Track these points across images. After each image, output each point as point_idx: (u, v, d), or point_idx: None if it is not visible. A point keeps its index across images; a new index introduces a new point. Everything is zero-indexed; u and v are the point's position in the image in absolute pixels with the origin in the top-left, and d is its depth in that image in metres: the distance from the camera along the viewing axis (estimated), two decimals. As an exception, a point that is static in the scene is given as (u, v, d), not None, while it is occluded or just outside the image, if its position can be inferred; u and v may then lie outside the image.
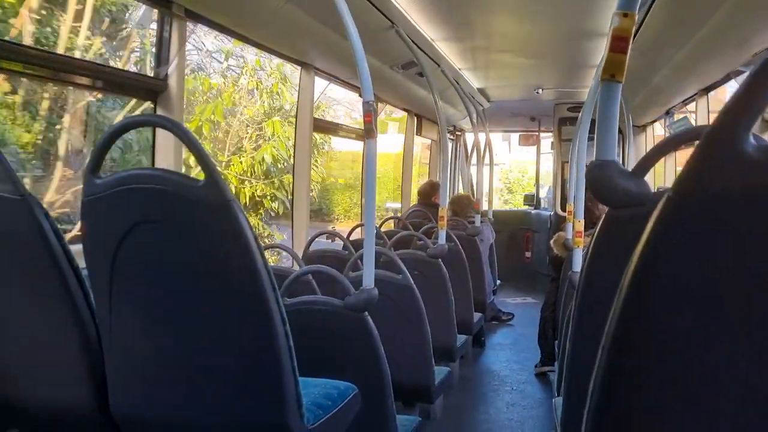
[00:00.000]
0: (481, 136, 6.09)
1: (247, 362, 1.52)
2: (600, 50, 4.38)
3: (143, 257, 1.51)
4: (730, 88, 4.06)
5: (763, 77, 0.57)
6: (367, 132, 2.29)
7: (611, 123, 1.25)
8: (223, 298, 1.48)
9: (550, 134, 7.68)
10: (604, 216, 1.36)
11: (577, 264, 2.80)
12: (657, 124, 6.30)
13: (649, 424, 0.68)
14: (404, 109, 6.42)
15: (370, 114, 2.26)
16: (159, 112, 2.68)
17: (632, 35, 1.23)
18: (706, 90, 4.26)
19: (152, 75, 2.72)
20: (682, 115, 5.28)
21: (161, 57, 2.70)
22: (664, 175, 5.56)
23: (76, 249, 1.60)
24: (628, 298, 0.65)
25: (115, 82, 2.57)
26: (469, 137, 7.58)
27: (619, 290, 0.67)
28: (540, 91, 6.26)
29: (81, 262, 1.60)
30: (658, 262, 0.63)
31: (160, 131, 2.67)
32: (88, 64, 2.53)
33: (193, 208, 1.44)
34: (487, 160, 6.55)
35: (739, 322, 0.61)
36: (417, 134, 6.66)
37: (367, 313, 2.22)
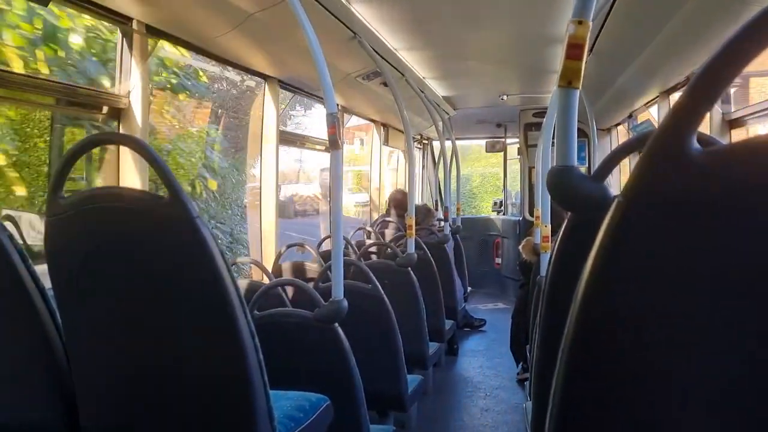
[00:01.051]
0: (448, 144, 6.14)
1: (217, 377, 1.51)
2: (561, 56, 4.45)
3: (109, 275, 1.50)
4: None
5: (704, 82, 0.59)
6: (332, 143, 2.30)
7: (570, 129, 1.27)
8: (191, 314, 1.47)
9: (517, 140, 7.77)
10: (566, 221, 1.39)
11: (545, 269, 2.83)
12: (621, 127, 6.43)
13: (612, 422, 0.69)
14: (371, 120, 6.44)
15: (334, 126, 2.27)
16: (122, 129, 2.66)
17: (588, 42, 1.26)
18: (668, 92, 4.36)
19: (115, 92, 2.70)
20: (645, 119, 5.39)
21: (123, 73, 2.67)
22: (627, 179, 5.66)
23: (41, 269, 1.58)
24: (583, 302, 0.67)
25: (76, 101, 2.54)
26: (437, 145, 7.63)
27: (575, 295, 0.69)
28: (505, 97, 6.33)
29: (46, 282, 1.58)
30: (610, 265, 0.65)
31: (123, 148, 2.64)
32: (46, 82, 2.49)
33: (158, 226, 1.43)
34: (454, 168, 6.61)
35: (688, 322, 0.63)
36: (384, 144, 6.68)
37: (337, 324, 2.22)
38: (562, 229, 1.41)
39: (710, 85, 0.59)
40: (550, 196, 3.06)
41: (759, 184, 0.58)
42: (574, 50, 1.24)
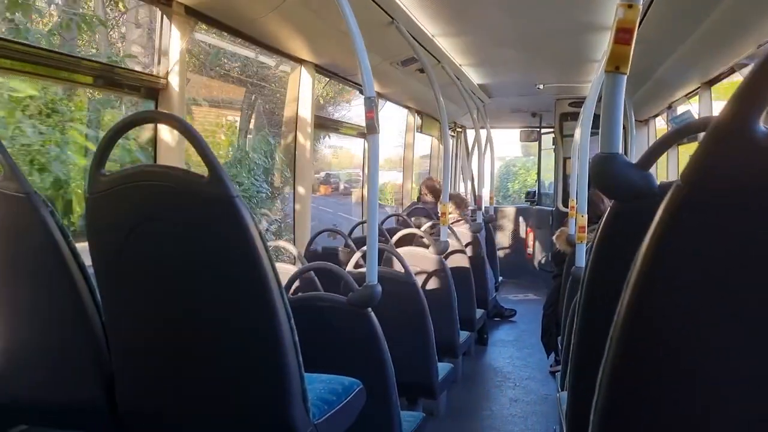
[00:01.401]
0: (483, 133, 6.08)
1: (253, 357, 1.52)
2: (600, 44, 4.37)
3: (148, 253, 1.51)
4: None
5: None
6: (369, 128, 2.28)
7: (616, 115, 1.24)
8: (229, 293, 1.48)
9: (552, 130, 7.66)
10: (608, 210, 1.35)
11: (581, 259, 2.79)
12: (659, 119, 6.29)
13: (660, 417, 0.67)
14: (405, 106, 6.41)
15: (372, 110, 2.26)
16: (160, 109, 2.68)
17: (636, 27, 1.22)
18: (709, 83, 4.24)
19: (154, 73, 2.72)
20: (684, 109, 5.26)
21: (162, 54, 2.69)
22: (666, 170, 5.55)
23: (82, 246, 1.60)
24: (637, 290, 0.65)
25: (115, 80, 2.57)
26: (471, 133, 7.57)
27: (626, 282, 0.66)
28: (541, 86, 6.24)
29: (87, 260, 1.60)
30: (667, 252, 0.62)
31: (162, 128, 2.67)
32: (88, 62, 2.52)
33: (198, 204, 1.43)
34: (488, 156, 6.55)
35: (751, 310, 0.60)
36: (419, 131, 6.65)
37: (370, 309, 2.22)
38: (604, 217, 1.38)
39: None
40: (587, 186, 3.03)
41: None
42: (623, 34, 1.21)
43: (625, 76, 1.20)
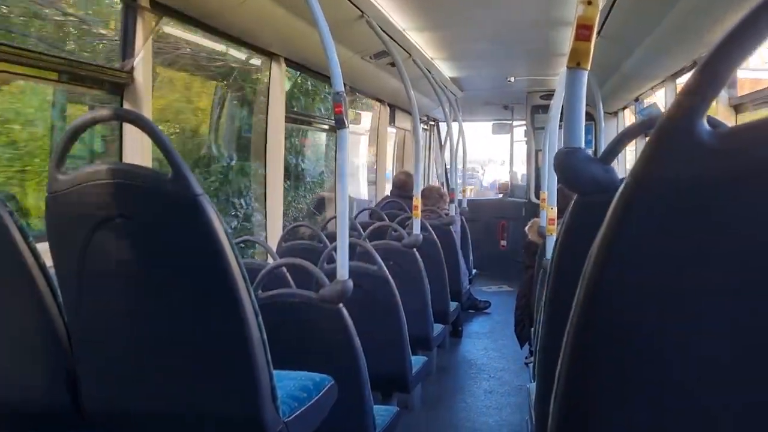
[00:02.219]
0: (455, 126, 6.10)
1: (220, 356, 1.51)
2: (570, 38, 4.40)
3: (112, 253, 1.48)
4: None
5: (715, 62, 0.58)
6: (338, 123, 2.27)
7: (578, 110, 1.25)
8: (195, 291, 1.46)
9: (524, 123, 7.72)
10: (572, 203, 1.37)
11: (551, 251, 2.82)
12: (628, 111, 6.38)
13: (615, 405, 0.69)
14: (377, 99, 6.40)
15: (340, 104, 2.25)
16: (125, 105, 2.63)
17: (597, 23, 1.23)
18: (674, 76, 4.32)
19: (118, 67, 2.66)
20: (651, 102, 5.35)
21: (127, 49, 2.64)
22: (635, 161, 5.63)
23: (43, 247, 1.56)
24: (590, 284, 0.67)
25: (78, 75, 2.51)
26: (443, 127, 7.59)
27: (582, 276, 0.68)
28: (512, 79, 6.28)
29: (48, 260, 1.57)
30: (618, 248, 0.64)
31: (127, 124, 2.62)
32: (48, 56, 2.46)
33: (162, 203, 1.41)
34: (461, 150, 6.58)
35: (698, 303, 0.62)
36: (390, 124, 6.65)
37: (342, 304, 2.21)
38: (568, 210, 1.40)
39: (720, 65, 0.58)
40: (556, 179, 3.05)
41: None
42: (583, 31, 1.23)
43: (586, 72, 1.21)
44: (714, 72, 0.58)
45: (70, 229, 1.49)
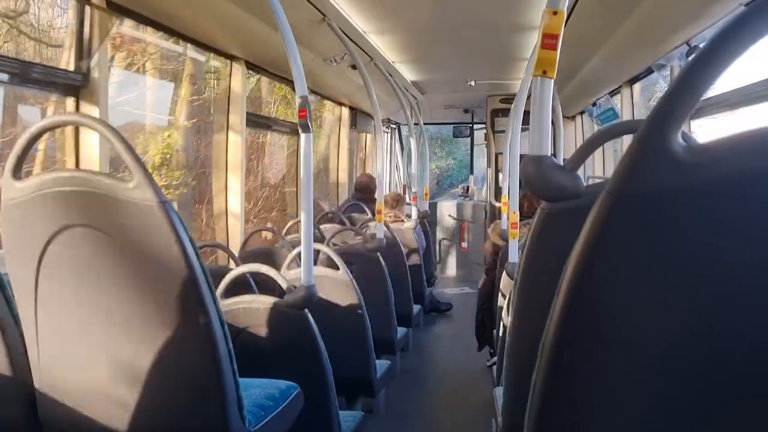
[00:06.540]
0: (416, 129, 6.12)
1: (185, 365, 1.47)
2: (529, 43, 4.47)
3: (71, 262, 1.43)
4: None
5: (689, 79, 0.60)
6: (302, 127, 2.25)
7: (545, 118, 1.26)
8: (159, 301, 1.42)
9: (484, 126, 7.79)
10: (539, 209, 1.38)
11: (514, 255, 2.85)
12: (585, 115, 6.49)
13: (593, 413, 0.69)
14: (339, 103, 6.38)
15: (304, 109, 2.22)
16: (82, 109, 2.55)
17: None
18: (630, 82, 4.42)
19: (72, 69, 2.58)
20: (608, 106, 5.46)
21: (82, 50, 2.56)
22: (593, 164, 5.75)
23: None
24: (569, 294, 0.68)
25: (30, 77, 2.42)
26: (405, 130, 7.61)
27: (559, 286, 0.69)
28: (472, 83, 6.34)
29: (2, 268, 1.51)
30: (597, 259, 0.66)
31: (84, 129, 2.54)
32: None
33: (124, 210, 1.37)
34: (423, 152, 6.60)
35: (677, 315, 0.64)
36: (352, 128, 6.63)
37: (306, 310, 2.19)
38: (536, 216, 1.41)
39: (695, 82, 0.60)
40: (518, 183, 3.09)
41: (743, 177, 0.60)
42: (549, 40, 1.24)
43: (553, 80, 1.22)
44: (689, 88, 0.60)
45: (27, 237, 1.44)
